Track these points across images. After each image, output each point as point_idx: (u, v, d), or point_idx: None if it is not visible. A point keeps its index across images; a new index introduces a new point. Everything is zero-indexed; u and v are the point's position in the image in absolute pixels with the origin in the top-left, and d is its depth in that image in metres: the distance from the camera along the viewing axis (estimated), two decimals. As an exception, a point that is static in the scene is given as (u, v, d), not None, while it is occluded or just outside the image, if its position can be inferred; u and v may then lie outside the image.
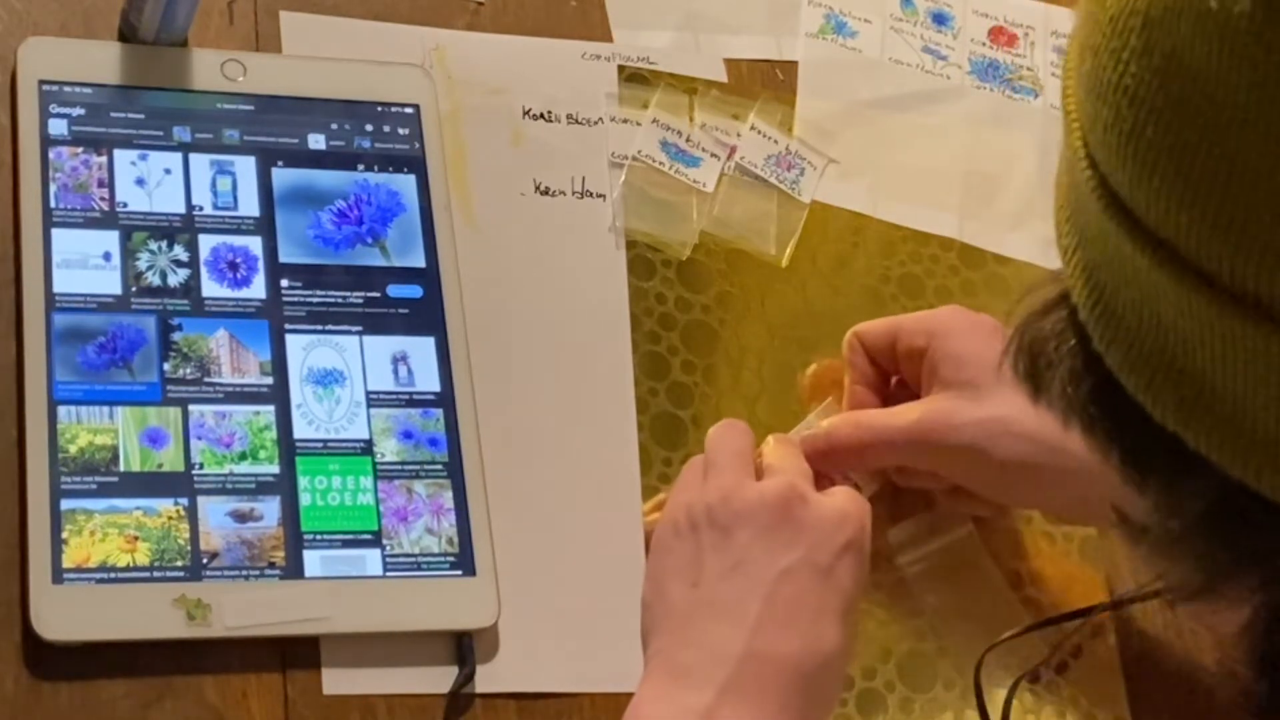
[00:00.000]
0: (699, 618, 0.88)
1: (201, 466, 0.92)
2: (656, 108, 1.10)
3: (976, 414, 0.96)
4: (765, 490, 0.90)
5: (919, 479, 1.01)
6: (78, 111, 0.98)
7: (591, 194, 1.07)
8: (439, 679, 0.92)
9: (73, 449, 0.91)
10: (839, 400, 1.03)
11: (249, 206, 0.99)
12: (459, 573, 0.94)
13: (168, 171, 0.99)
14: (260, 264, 0.98)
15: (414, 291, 1.00)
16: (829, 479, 0.96)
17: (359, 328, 0.98)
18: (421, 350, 0.99)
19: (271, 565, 0.91)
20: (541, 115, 1.08)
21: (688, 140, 1.10)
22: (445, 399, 0.98)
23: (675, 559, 0.90)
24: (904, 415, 0.98)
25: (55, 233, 0.95)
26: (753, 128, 1.12)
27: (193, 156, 0.99)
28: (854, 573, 0.89)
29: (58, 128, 0.98)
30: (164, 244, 0.97)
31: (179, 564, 0.90)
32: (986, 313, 1.11)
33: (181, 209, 0.98)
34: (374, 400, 0.97)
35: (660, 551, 0.92)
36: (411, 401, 0.97)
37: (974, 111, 1.18)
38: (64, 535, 0.89)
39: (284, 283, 0.98)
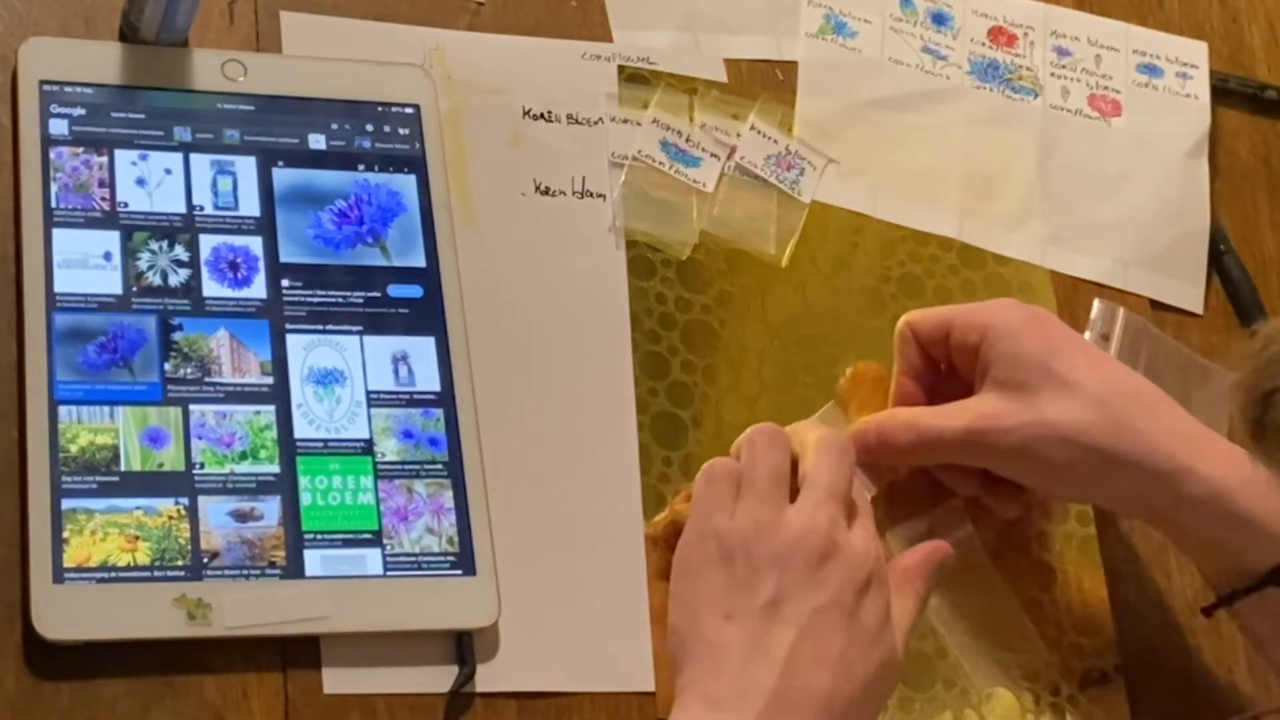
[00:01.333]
0: (734, 652, 0.89)
1: (202, 466, 0.92)
2: (656, 108, 1.10)
3: (1028, 416, 0.97)
4: (804, 531, 0.91)
5: (958, 475, 1.01)
6: (78, 111, 0.98)
7: (591, 194, 1.07)
8: (439, 678, 0.92)
9: (73, 449, 0.91)
10: (881, 398, 1.03)
11: (249, 206, 0.99)
12: (459, 572, 0.94)
13: (168, 171, 0.99)
14: (261, 264, 0.98)
15: (414, 291, 1.00)
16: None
17: (359, 327, 0.98)
18: (422, 350, 0.99)
19: (272, 565, 0.91)
20: (541, 115, 1.08)
21: (688, 140, 1.10)
22: (445, 399, 0.98)
23: (708, 588, 0.91)
24: (956, 417, 0.99)
25: (56, 233, 0.95)
26: (753, 128, 1.12)
27: (193, 156, 0.99)
28: (877, 611, 0.91)
29: (58, 128, 0.98)
30: (165, 244, 0.97)
31: (179, 563, 0.90)
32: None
33: (182, 209, 0.98)
34: (374, 400, 0.97)
35: (689, 576, 0.92)
36: (412, 401, 0.97)
37: (974, 111, 1.18)
38: (65, 535, 0.89)
39: (284, 283, 0.98)
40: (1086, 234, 1.16)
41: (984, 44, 1.20)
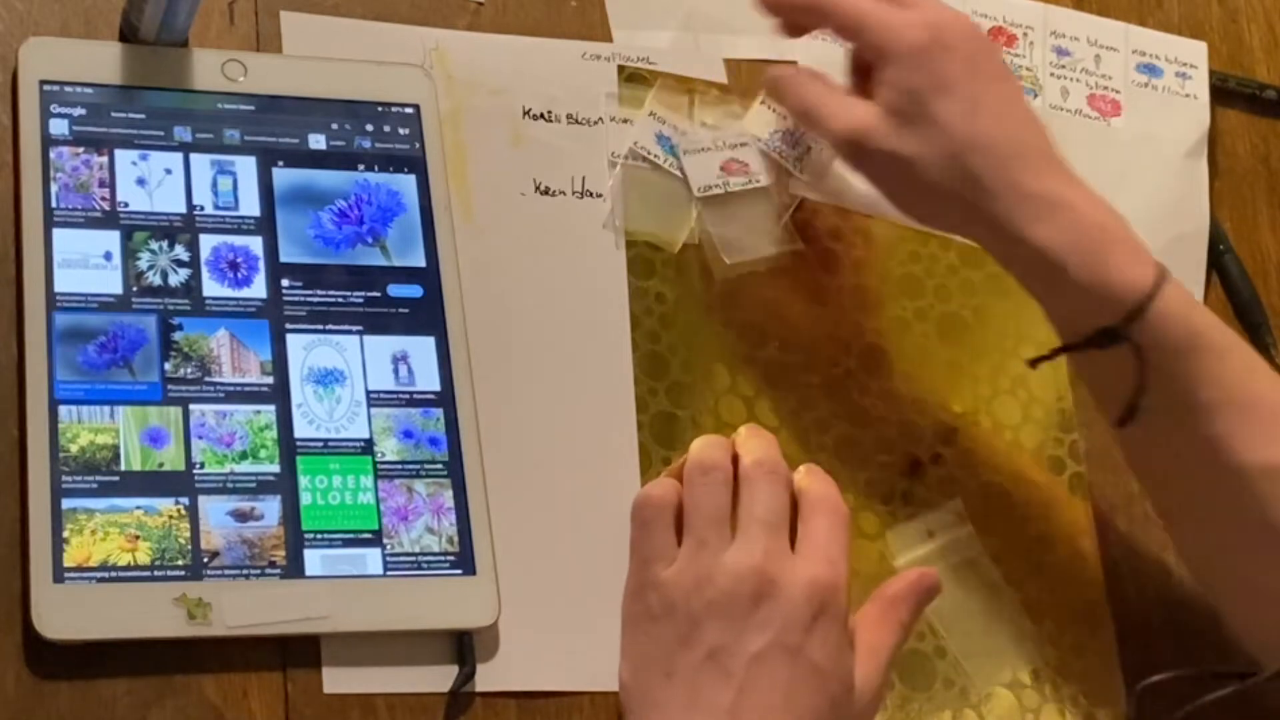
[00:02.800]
0: (675, 709, 0.88)
1: (202, 466, 0.93)
2: (654, 103, 1.10)
3: (892, 144, 1.01)
4: (737, 576, 0.89)
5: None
6: (79, 111, 0.98)
7: (591, 194, 1.07)
8: (439, 678, 0.92)
9: (74, 448, 0.91)
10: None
11: (250, 206, 0.99)
12: (459, 572, 0.94)
13: (168, 171, 0.99)
14: (261, 264, 0.98)
15: (414, 291, 1.00)
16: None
17: (359, 327, 0.98)
18: (422, 350, 0.99)
19: (272, 564, 0.91)
20: (541, 115, 1.08)
21: (683, 135, 1.10)
22: (445, 398, 0.98)
23: (650, 645, 0.90)
24: (840, 118, 1.03)
25: (56, 232, 0.95)
26: (763, 102, 1.12)
27: (193, 156, 0.99)
28: (823, 642, 0.89)
29: (59, 128, 0.98)
30: (165, 244, 0.97)
31: (180, 563, 0.90)
32: (988, 315, 1.12)
33: (182, 209, 0.98)
34: (374, 400, 0.97)
35: (635, 630, 0.91)
36: (412, 401, 0.97)
37: None
38: (65, 534, 0.89)
39: (284, 282, 0.98)
40: None
41: None
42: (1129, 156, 1.19)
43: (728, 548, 0.91)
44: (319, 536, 0.93)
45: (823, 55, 1.16)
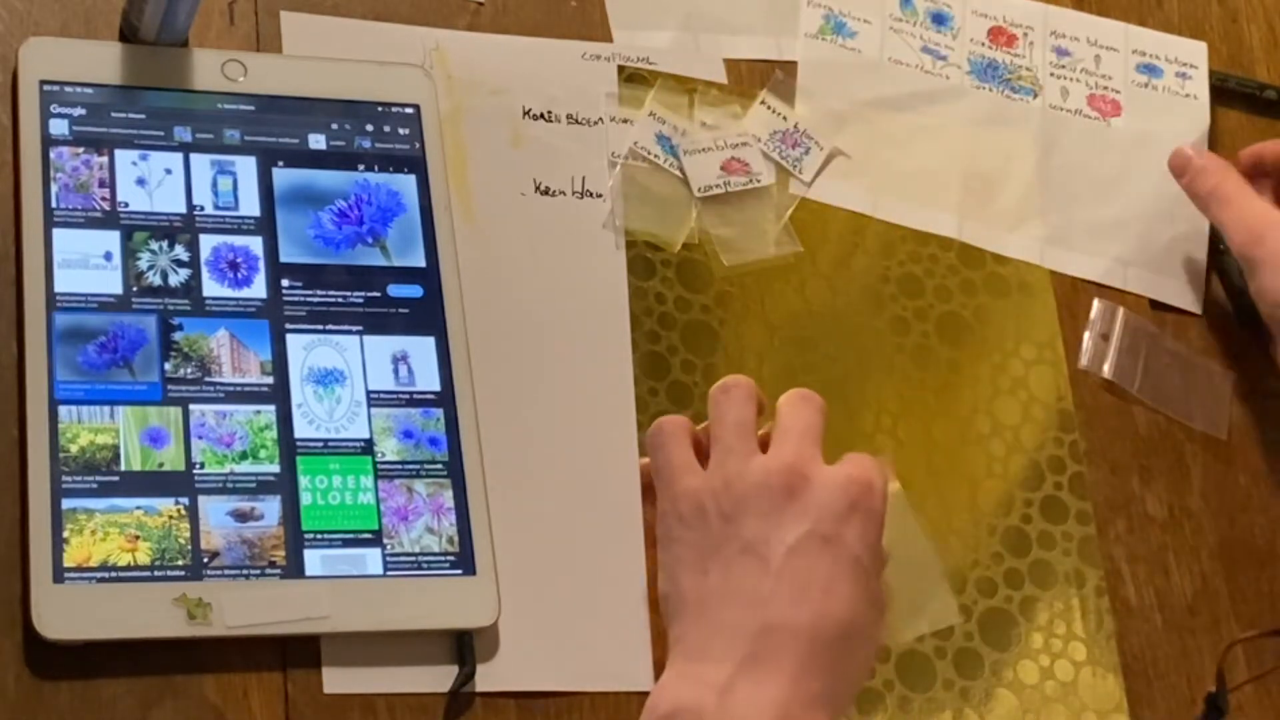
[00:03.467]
0: (713, 604, 0.87)
1: (202, 466, 0.92)
2: (654, 103, 1.10)
3: None
4: (769, 471, 0.89)
5: None
6: (79, 111, 0.98)
7: (591, 194, 1.07)
8: (439, 678, 0.92)
9: (74, 448, 0.91)
10: None
11: (250, 206, 0.99)
12: (459, 572, 0.94)
13: (168, 171, 0.99)
14: (261, 264, 0.98)
15: (414, 291, 1.00)
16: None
17: (359, 327, 0.98)
18: (422, 350, 0.99)
19: (272, 564, 0.91)
20: (541, 115, 1.08)
21: (683, 135, 1.10)
22: (445, 398, 0.98)
23: (685, 549, 0.89)
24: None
25: (56, 232, 0.95)
26: (763, 103, 1.12)
27: (193, 156, 0.99)
28: (862, 535, 0.88)
29: (59, 128, 0.98)
30: (165, 244, 0.97)
31: (180, 563, 0.90)
32: (988, 315, 1.12)
33: (182, 209, 0.98)
34: (374, 400, 0.97)
35: (669, 541, 0.90)
36: (412, 401, 0.97)
37: (973, 112, 1.18)
38: (65, 534, 0.89)
39: (284, 282, 0.98)
40: (1086, 234, 1.16)
41: (984, 44, 1.20)
42: (1129, 156, 1.19)
43: (757, 455, 0.90)
44: (319, 536, 0.93)
45: (823, 56, 1.16)
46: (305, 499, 0.93)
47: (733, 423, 0.91)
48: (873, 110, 1.15)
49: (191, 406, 0.94)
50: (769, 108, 1.12)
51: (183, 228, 0.98)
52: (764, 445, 0.91)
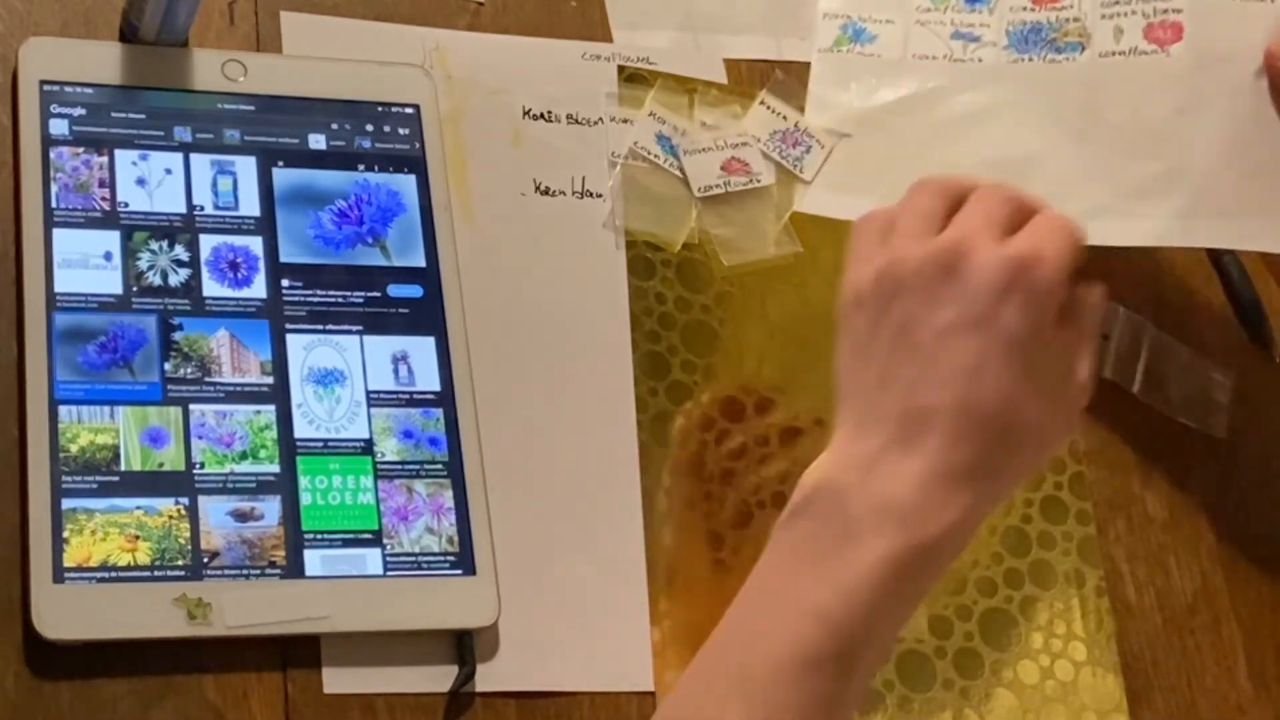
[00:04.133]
0: (867, 390, 0.85)
1: (202, 466, 0.93)
2: (653, 103, 1.10)
3: None
4: (927, 253, 0.85)
5: None
6: (79, 111, 0.98)
7: (591, 194, 1.07)
8: (439, 678, 0.92)
9: (74, 448, 0.91)
10: None
11: (250, 206, 0.99)
12: (459, 572, 0.94)
13: (168, 171, 0.99)
14: (261, 264, 0.98)
15: (414, 291, 1.00)
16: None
17: (359, 327, 0.98)
18: (421, 350, 0.99)
19: (272, 564, 0.91)
20: (541, 115, 1.08)
21: (683, 135, 1.10)
22: (445, 399, 0.98)
23: (849, 335, 0.87)
24: None
25: (56, 232, 0.95)
26: (762, 103, 1.12)
27: (193, 156, 1.00)
28: (1023, 315, 0.83)
29: (59, 128, 0.98)
30: (165, 244, 0.97)
31: (180, 563, 0.90)
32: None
33: (182, 209, 0.98)
34: (374, 400, 0.97)
35: (841, 328, 0.88)
36: (411, 401, 0.97)
37: (1006, 93, 1.12)
38: (65, 534, 0.89)
39: (284, 282, 0.98)
40: (1134, 196, 1.09)
41: (1025, 8, 1.14)
42: (1188, 89, 1.10)
43: (928, 240, 0.86)
44: (319, 536, 0.93)
45: (837, 66, 1.16)
46: (305, 499, 0.93)
47: (912, 211, 0.87)
48: (892, 115, 1.13)
49: (191, 406, 0.94)
50: (769, 108, 1.12)
51: (183, 228, 0.98)
52: None
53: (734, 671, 0.81)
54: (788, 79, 1.14)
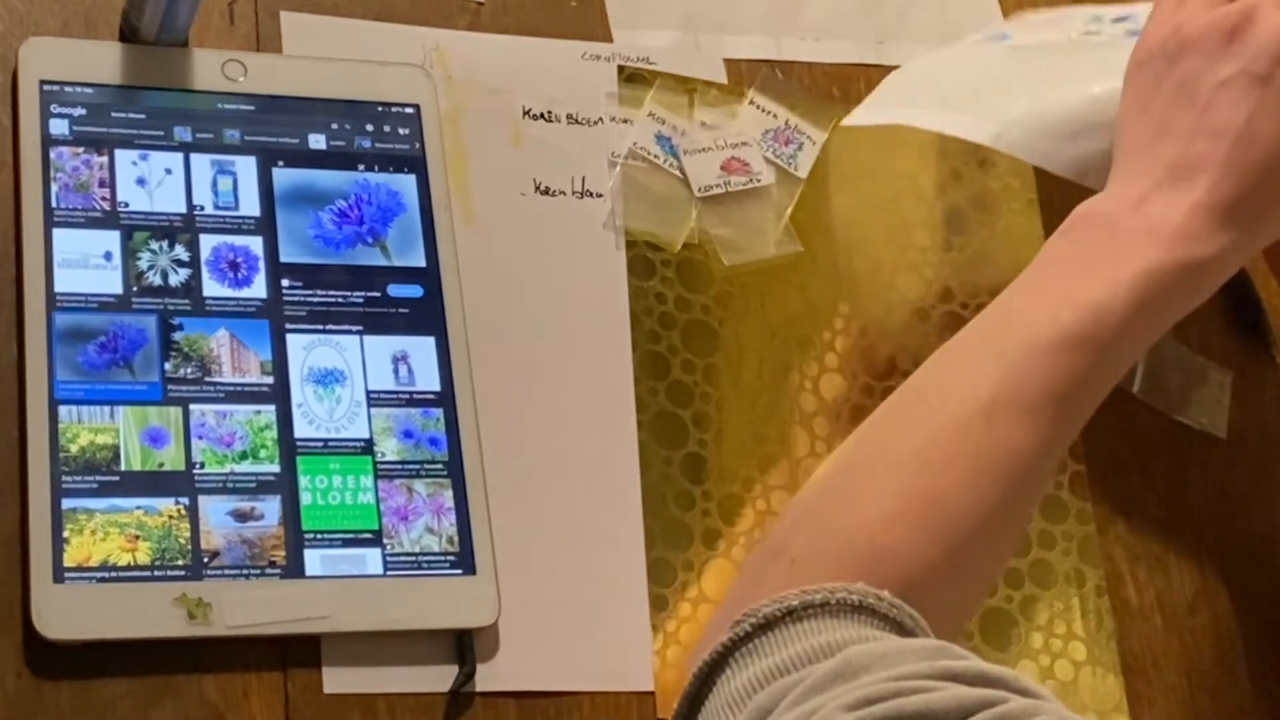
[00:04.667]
0: (1143, 138, 0.91)
1: (202, 466, 0.93)
2: (653, 103, 1.10)
3: None
4: (1215, 16, 0.92)
5: None
6: (79, 111, 0.98)
7: (591, 194, 1.07)
8: (439, 678, 0.92)
9: (74, 448, 0.91)
10: None
11: (250, 206, 0.99)
12: (459, 572, 0.94)
13: (169, 171, 0.99)
14: (261, 264, 0.98)
15: (414, 291, 1.00)
16: None
17: (359, 327, 0.98)
18: (422, 350, 0.99)
19: (272, 564, 0.91)
20: (541, 115, 1.08)
21: (683, 135, 1.10)
22: (445, 398, 0.98)
23: (1133, 91, 0.93)
24: None
25: (56, 232, 0.95)
26: (751, 102, 1.12)
27: (193, 156, 1.00)
28: None
29: (59, 128, 0.98)
30: (165, 244, 0.97)
31: (180, 563, 0.90)
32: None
33: (182, 209, 0.98)
34: (374, 400, 0.97)
35: (1125, 87, 0.94)
36: (412, 401, 0.97)
37: (1083, 49, 1.08)
38: (65, 534, 0.89)
39: (285, 282, 0.98)
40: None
41: None
42: None
43: (1218, 4, 0.92)
44: (319, 536, 0.93)
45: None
46: (305, 499, 0.93)
47: None
48: (980, 47, 1.12)
49: (191, 406, 0.94)
50: (758, 107, 1.12)
51: (183, 227, 0.98)
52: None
53: (991, 346, 0.86)
54: (782, 78, 1.14)
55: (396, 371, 0.98)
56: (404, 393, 0.97)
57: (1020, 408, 0.84)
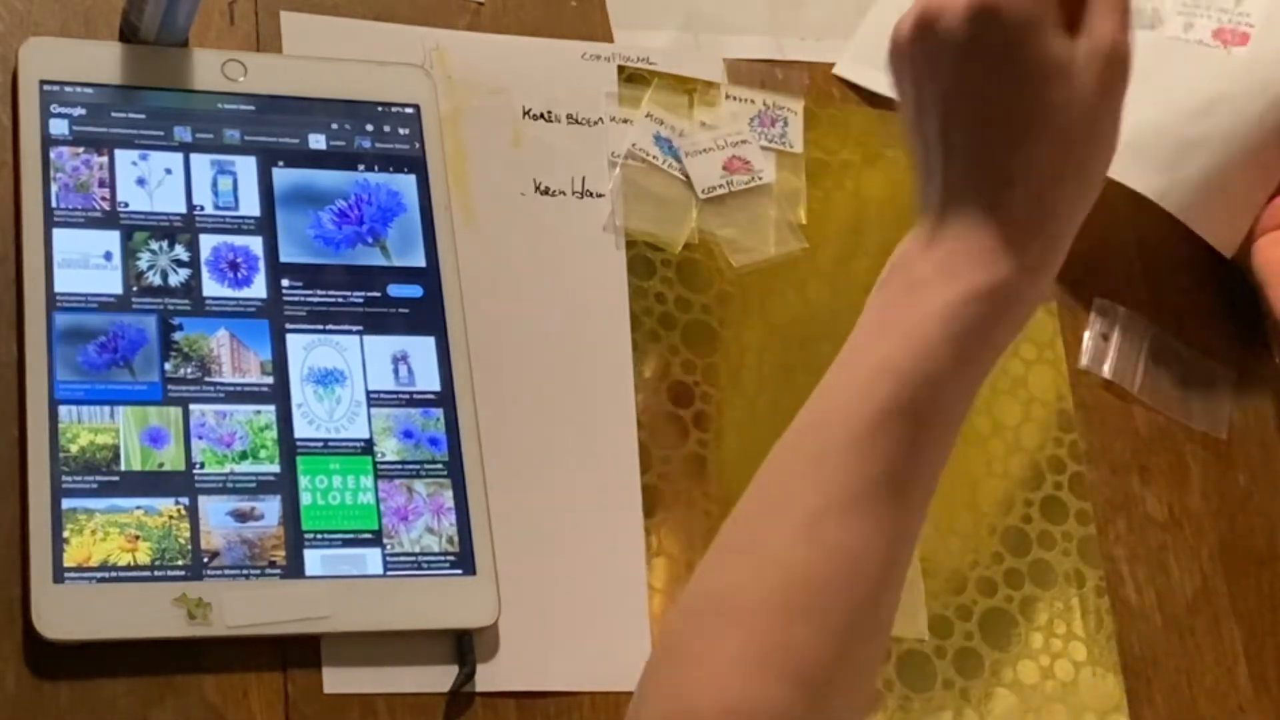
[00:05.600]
0: (916, 168, 0.84)
1: (202, 466, 0.93)
2: (650, 104, 1.10)
3: None
4: (909, 32, 0.82)
5: None
6: (79, 111, 0.98)
7: (591, 194, 1.07)
8: (439, 678, 0.92)
9: (74, 448, 0.91)
10: None
11: (250, 206, 0.99)
12: (459, 572, 0.94)
13: (168, 171, 0.99)
14: (261, 264, 0.98)
15: (414, 291, 1.00)
16: None
17: (359, 327, 0.98)
18: (422, 350, 0.99)
19: (272, 564, 0.91)
20: (541, 115, 1.08)
21: (682, 135, 1.10)
22: (445, 398, 0.98)
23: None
24: None
25: (56, 232, 0.95)
26: (728, 96, 1.12)
27: (193, 156, 1.00)
28: (986, 75, 0.80)
29: (59, 128, 0.98)
30: (165, 244, 0.97)
31: (180, 563, 0.90)
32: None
33: (182, 209, 0.98)
34: (374, 400, 0.97)
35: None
36: (412, 401, 0.97)
37: None
38: (65, 534, 0.89)
39: (285, 282, 0.98)
40: (1172, 151, 1.12)
41: None
42: (1240, 82, 1.14)
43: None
44: (319, 536, 0.93)
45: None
46: (305, 499, 0.93)
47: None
48: None
49: (191, 406, 0.94)
50: (735, 98, 1.12)
51: (183, 228, 0.98)
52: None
53: (808, 447, 0.79)
54: (788, 79, 1.14)
55: (396, 371, 0.98)
56: (404, 393, 0.97)
57: (850, 507, 0.77)
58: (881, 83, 1.11)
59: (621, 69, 1.11)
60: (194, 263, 0.97)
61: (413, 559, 0.94)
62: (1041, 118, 0.80)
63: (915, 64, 0.82)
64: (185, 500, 0.91)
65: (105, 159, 0.98)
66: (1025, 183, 0.80)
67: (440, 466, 0.96)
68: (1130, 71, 0.81)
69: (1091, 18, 0.81)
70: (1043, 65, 0.80)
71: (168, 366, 0.94)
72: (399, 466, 0.96)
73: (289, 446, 0.94)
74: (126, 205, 0.97)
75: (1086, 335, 1.12)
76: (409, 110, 1.04)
